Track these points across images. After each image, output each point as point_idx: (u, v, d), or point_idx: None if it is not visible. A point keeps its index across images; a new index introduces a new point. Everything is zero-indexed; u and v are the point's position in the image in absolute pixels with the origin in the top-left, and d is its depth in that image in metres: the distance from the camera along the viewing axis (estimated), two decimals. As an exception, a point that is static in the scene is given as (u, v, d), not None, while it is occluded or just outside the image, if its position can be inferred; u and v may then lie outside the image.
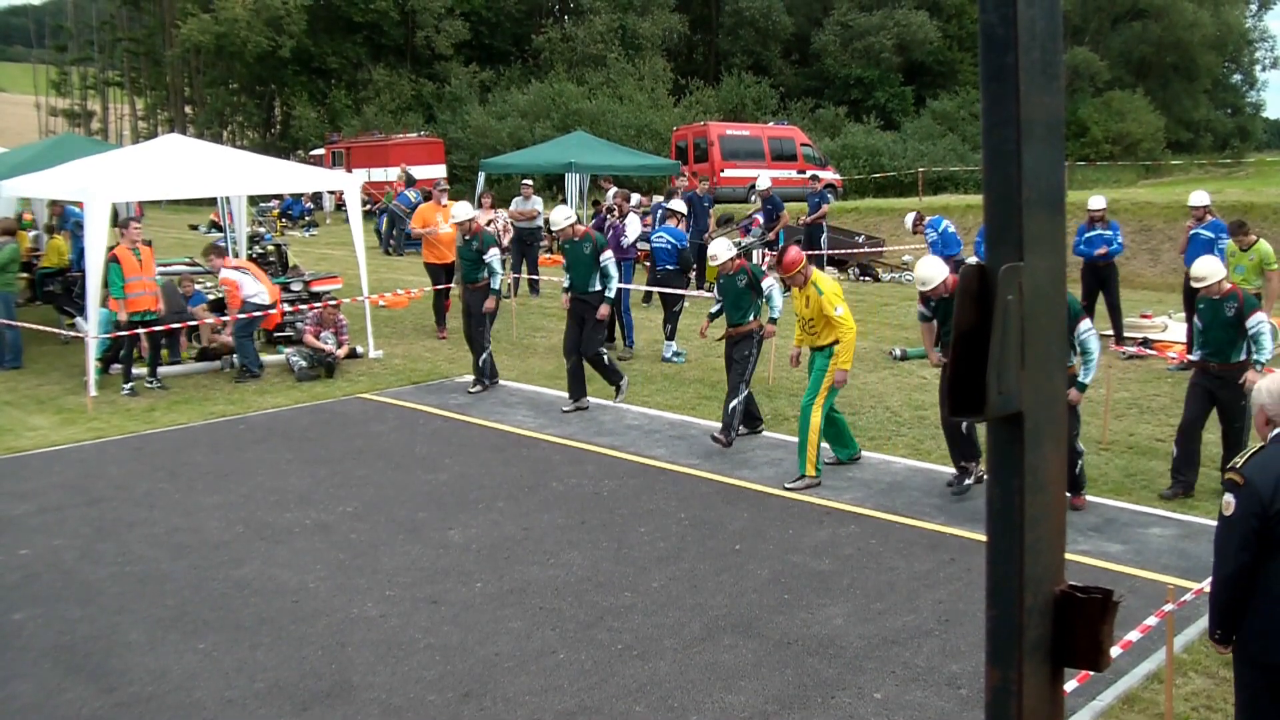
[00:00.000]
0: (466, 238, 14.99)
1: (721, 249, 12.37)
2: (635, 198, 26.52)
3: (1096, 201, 16.78)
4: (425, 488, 10.87)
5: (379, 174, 42.13)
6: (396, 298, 20.93)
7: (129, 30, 73.76)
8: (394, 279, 24.32)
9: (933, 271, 10.32)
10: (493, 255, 14.85)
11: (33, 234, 21.32)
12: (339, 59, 62.30)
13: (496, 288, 14.93)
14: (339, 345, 16.06)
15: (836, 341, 10.78)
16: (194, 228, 36.72)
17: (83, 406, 14.13)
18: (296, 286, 18.46)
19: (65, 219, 20.23)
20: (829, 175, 38.26)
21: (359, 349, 17.04)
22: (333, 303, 16.66)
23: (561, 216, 14.10)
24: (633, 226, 18.05)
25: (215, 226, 28.75)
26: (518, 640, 7.47)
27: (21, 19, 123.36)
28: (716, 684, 6.80)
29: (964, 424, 10.08)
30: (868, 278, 26.74)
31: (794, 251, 11.13)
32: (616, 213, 18.21)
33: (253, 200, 29.82)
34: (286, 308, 17.25)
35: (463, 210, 15.16)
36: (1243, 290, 9.95)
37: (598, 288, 13.89)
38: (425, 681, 6.90)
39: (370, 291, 17.36)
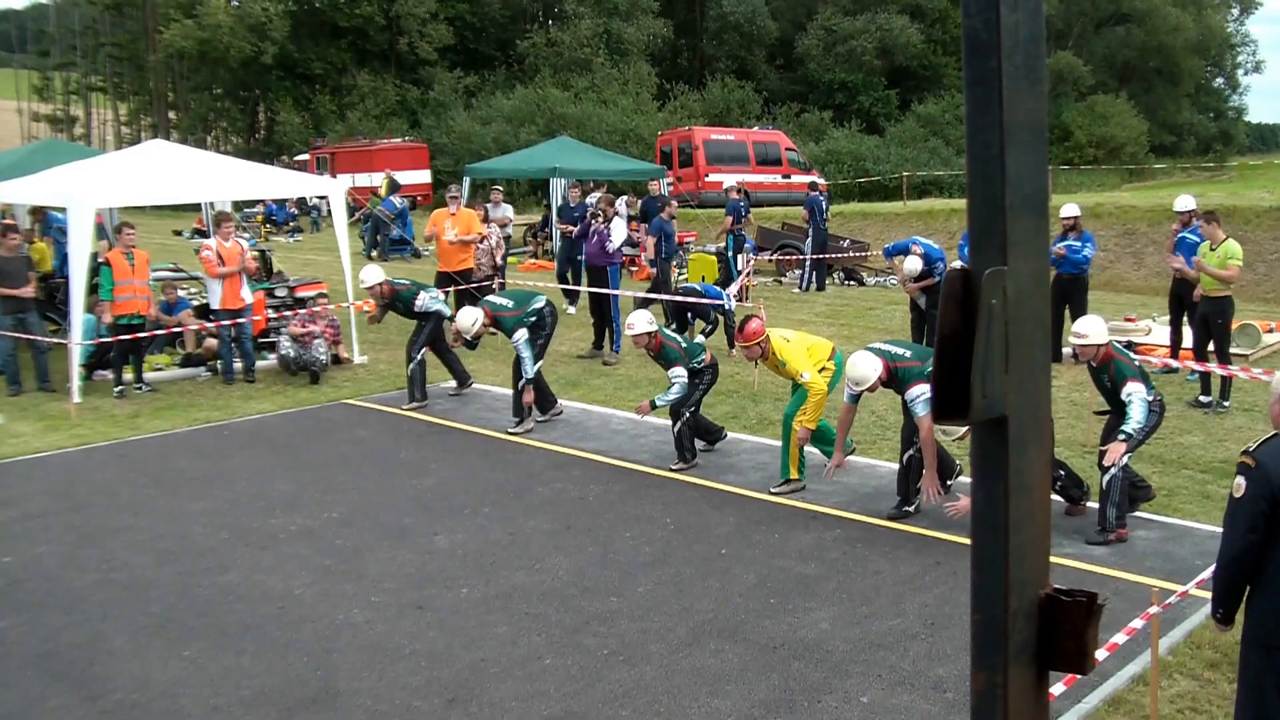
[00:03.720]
0: (384, 302, 14.62)
1: (638, 323, 11.74)
2: (622, 201, 26.48)
3: (1069, 209, 16.52)
4: (410, 493, 10.86)
5: (364, 179, 42.10)
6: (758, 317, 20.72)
7: (112, 35, 73.60)
8: (379, 284, 24.25)
9: (867, 370, 9.77)
10: (423, 301, 14.52)
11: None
12: (323, 64, 62.25)
13: (446, 315, 14.70)
14: (332, 344, 16.16)
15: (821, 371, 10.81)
16: (178, 233, 36.65)
17: (66, 413, 14.08)
18: (281, 292, 18.42)
19: (48, 225, 20.16)
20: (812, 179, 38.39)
21: (343, 354, 17.04)
22: (317, 307, 16.64)
23: (469, 321, 13.32)
24: (618, 231, 18.02)
25: (199, 233, 28.69)
26: (504, 646, 7.46)
27: (4, 24, 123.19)
28: (703, 688, 6.80)
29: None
30: (853, 282, 26.80)
31: (755, 324, 10.76)
32: (601, 218, 18.17)
33: (237, 206, 29.78)
34: (271, 314, 17.21)
35: (371, 275, 14.65)
36: (1115, 361, 9.48)
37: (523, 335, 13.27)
38: (411, 687, 6.88)
39: (355, 297, 17.32)
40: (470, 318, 13.26)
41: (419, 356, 14.47)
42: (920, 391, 9.50)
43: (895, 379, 9.82)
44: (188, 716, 6.60)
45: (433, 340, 14.65)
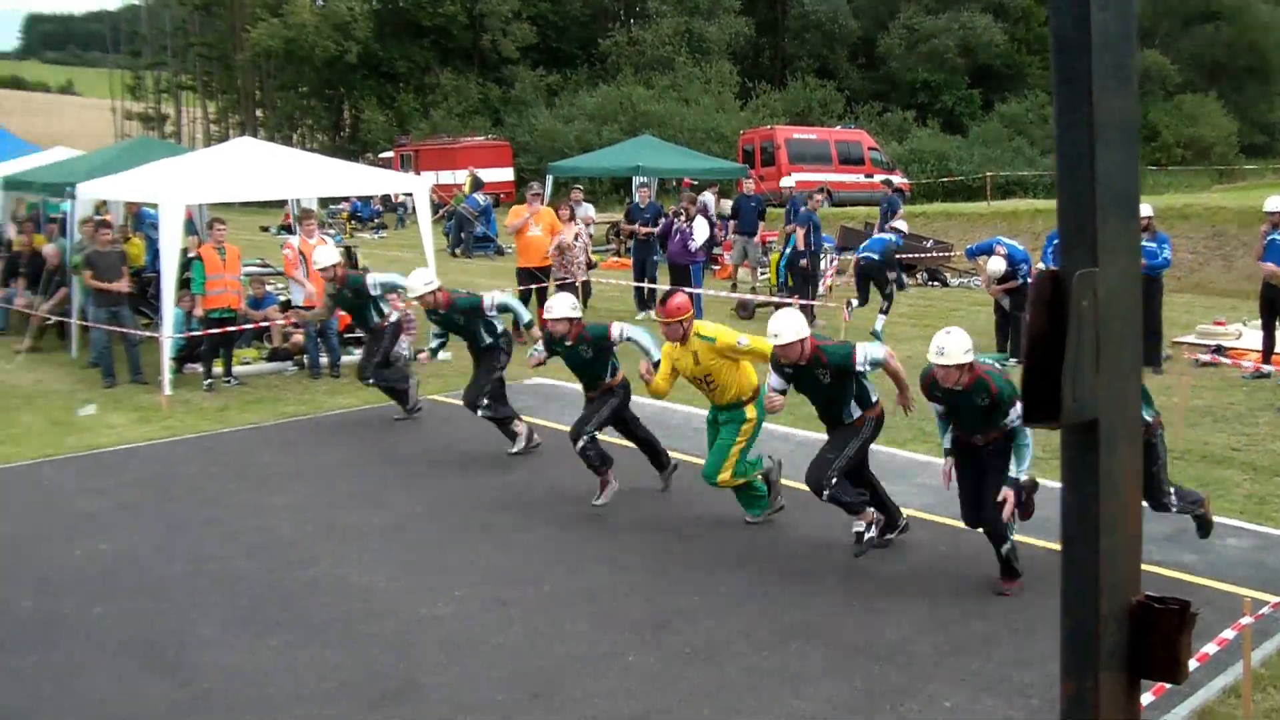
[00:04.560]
0: (338, 287, 13.46)
1: (559, 306, 10.34)
2: (707, 197, 26.36)
3: (1141, 209, 15.98)
4: (494, 489, 10.92)
5: (447, 177, 42.44)
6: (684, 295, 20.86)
7: (201, 35, 74.81)
8: (463, 280, 24.35)
9: (787, 326, 8.52)
10: (373, 281, 13.40)
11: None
12: (407, 63, 62.82)
13: (395, 318, 13.56)
14: (408, 345, 16.28)
15: (742, 400, 9.52)
16: (264, 229, 37.18)
17: (157, 405, 14.35)
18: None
19: (140, 221, 20.53)
20: (896, 179, 38.10)
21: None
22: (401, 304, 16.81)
23: (421, 283, 11.90)
24: (700, 230, 18.02)
25: (286, 229, 29.07)
26: (586, 642, 7.49)
27: (98, 25, 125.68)
28: (785, 689, 6.79)
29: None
30: (936, 283, 26.57)
31: (680, 298, 9.47)
32: (684, 216, 18.18)
33: (323, 203, 30.15)
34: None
35: (325, 256, 13.55)
36: (994, 379, 7.99)
37: (487, 340, 12.04)
38: (493, 682, 6.93)
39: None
40: (424, 279, 11.90)
41: (374, 377, 13.38)
42: (864, 353, 8.55)
43: (822, 359, 8.56)
44: (274, 706, 6.71)
45: (385, 355, 13.62)
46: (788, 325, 8.47)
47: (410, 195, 28.05)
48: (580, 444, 10.22)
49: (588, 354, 10.30)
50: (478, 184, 35.95)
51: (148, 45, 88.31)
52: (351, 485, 11.13)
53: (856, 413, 8.79)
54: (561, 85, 61.91)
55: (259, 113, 70.82)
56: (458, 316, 11.93)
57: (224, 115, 77.10)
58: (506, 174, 48.55)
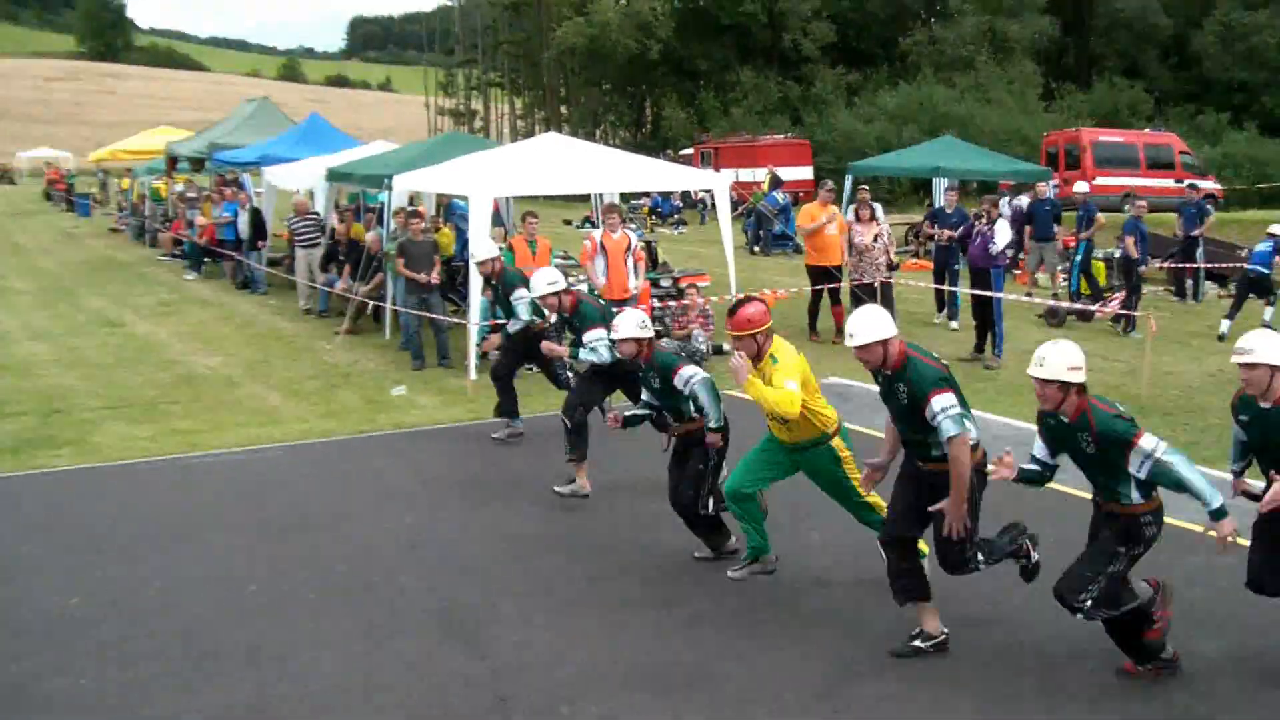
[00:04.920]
0: (492, 282, 12.77)
1: (626, 325, 9.10)
2: (1022, 200, 25.60)
3: None
4: (785, 486, 10.91)
5: (747, 174, 42.72)
6: (763, 297, 21.03)
7: (509, 34, 77.42)
8: (761, 278, 24.50)
9: (869, 324, 7.16)
10: (519, 297, 12.29)
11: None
12: (707, 61, 63.68)
13: (526, 319, 12.39)
14: (705, 339, 16.51)
15: (825, 435, 8.39)
16: (567, 223, 38.18)
17: (463, 388, 14.96)
18: (665, 282, 18.98)
19: (450, 212, 21.37)
20: (1209, 185, 36.29)
21: (725, 345, 17.32)
22: (686, 299, 17.08)
23: (544, 283, 10.99)
24: (1002, 234, 17.59)
25: (590, 223, 29.81)
26: (874, 643, 7.44)
27: (415, 26, 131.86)
28: (1082, 708, 6.60)
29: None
30: (1251, 294, 25.19)
31: (751, 308, 8.07)
32: (985, 219, 17.78)
33: (624, 198, 30.78)
34: (655, 303, 17.75)
35: (483, 250, 12.89)
36: (1098, 415, 6.66)
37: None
38: (783, 677, 7.00)
39: (737, 290, 17.56)
40: (547, 279, 10.99)
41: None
42: (947, 403, 6.95)
43: (905, 375, 7.13)
44: (567, 685, 6.93)
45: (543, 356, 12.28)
46: (864, 324, 7.13)
47: (710, 192, 28.43)
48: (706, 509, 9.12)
49: (655, 383, 9.22)
50: (777, 182, 36.05)
51: (459, 44, 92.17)
52: (649, 475, 11.31)
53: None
54: (861, 84, 61.60)
55: (563, 109, 72.94)
56: (577, 322, 11.09)
57: (530, 111, 79.76)
58: (805, 173, 48.53)
